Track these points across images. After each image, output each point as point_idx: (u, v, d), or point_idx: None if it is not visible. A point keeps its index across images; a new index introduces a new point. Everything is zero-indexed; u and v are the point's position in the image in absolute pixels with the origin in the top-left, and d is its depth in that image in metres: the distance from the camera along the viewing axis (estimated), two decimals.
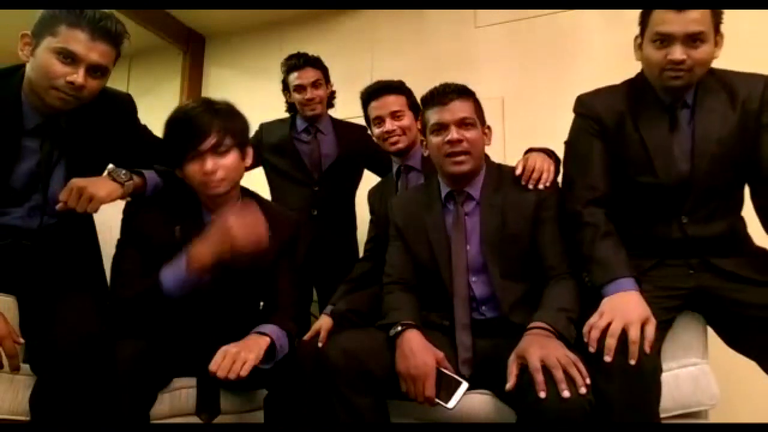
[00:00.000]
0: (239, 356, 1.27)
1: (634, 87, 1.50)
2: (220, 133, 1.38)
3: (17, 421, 1.27)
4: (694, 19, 1.33)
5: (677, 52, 1.34)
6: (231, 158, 1.40)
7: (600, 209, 1.43)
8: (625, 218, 1.46)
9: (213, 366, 1.25)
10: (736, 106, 1.39)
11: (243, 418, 1.53)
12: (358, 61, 3.27)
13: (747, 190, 1.48)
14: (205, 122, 1.38)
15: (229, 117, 1.42)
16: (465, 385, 1.34)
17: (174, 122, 1.42)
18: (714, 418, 1.43)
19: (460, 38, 3.12)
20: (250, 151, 1.49)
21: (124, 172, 1.44)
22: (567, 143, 1.59)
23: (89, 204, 1.36)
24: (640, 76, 1.51)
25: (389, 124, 1.93)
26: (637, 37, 1.46)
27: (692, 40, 1.34)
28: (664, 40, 1.36)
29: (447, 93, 1.52)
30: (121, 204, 1.49)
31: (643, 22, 1.43)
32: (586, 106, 1.53)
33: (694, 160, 1.39)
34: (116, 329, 1.30)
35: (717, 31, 1.37)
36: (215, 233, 1.31)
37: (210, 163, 1.36)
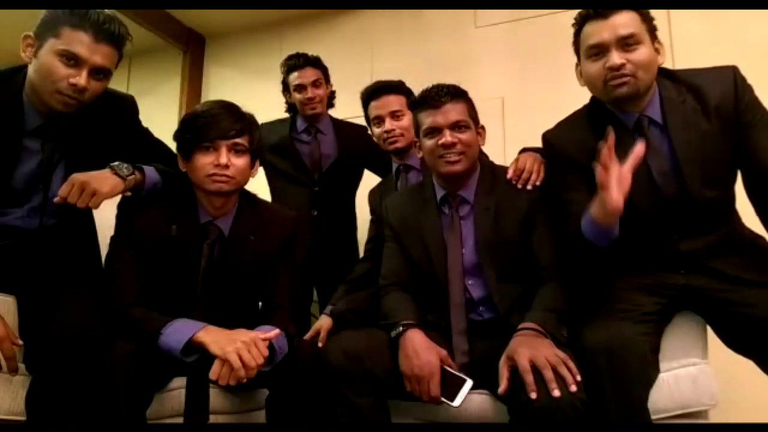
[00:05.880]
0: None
1: (594, 116, 1.44)
2: (241, 133, 1.42)
3: (16, 422, 1.27)
4: (622, 23, 1.32)
5: (614, 57, 1.32)
6: (244, 161, 1.43)
7: None
8: (617, 241, 1.38)
9: (213, 375, 1.24)
10: (710, 115, 1.33)
11: (243, 418, 1.52)
12: (358, 61, 3.27)
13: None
14: (229, 118, 1.41)
15: (251, 124, 1.47)
16: (470, 382, 1.34)
17: (197, 113, 1.44)
18: (714, 418, 1.43)
19: (459, 38, 3.11)
20: (257, 164, 1.53)
21: (126, 166, 1.43)
22: (550, 182, 1.53)
23: (92, 199, 1.35)
24: (592, 103, 1.48)
25: (389, 124, 1.94)
26: (577, 65, 1.46)
27: (626, 43, 1.32)
28: (599, 50, 1.35)
29: (440, 96, 1.49)
30: None
31: (576, 44, 1.43)
32: (555, 148, 1.49)
33: (685, 182, 1.34)
34: (113, 329, 1.30)
35: (654, 37, 1.35)
36: (219, 353, 1.25)
37: (225, 156, 1.39)
